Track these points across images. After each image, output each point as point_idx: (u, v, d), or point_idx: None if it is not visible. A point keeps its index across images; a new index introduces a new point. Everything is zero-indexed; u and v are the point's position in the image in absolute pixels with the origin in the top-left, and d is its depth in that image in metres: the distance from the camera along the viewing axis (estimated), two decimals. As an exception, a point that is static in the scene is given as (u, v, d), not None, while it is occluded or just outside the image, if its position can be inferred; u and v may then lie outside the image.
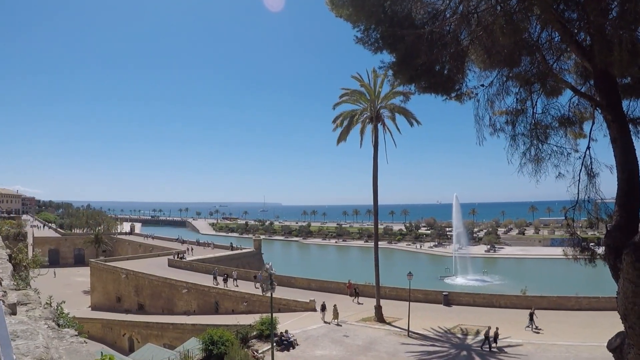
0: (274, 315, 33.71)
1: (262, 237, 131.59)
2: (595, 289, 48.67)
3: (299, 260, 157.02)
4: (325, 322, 47.29)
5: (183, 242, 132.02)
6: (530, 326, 42.84)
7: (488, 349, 37.34)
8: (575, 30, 14.64)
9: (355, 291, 60.15)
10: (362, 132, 52.21)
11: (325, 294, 61.86)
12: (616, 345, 13.39)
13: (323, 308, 48.94)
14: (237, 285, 66.84)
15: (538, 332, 41.82)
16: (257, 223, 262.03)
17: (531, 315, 43.35)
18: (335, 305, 48.41)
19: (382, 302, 50.38)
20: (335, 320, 47.14)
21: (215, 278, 69.30)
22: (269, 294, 30.36)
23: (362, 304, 56.64)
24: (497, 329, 38.95)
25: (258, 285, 58.68)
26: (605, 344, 14.18)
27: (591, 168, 16.12)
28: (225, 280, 67.37)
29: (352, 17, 14.92)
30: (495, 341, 38.19)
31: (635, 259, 10.60)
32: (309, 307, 54.75)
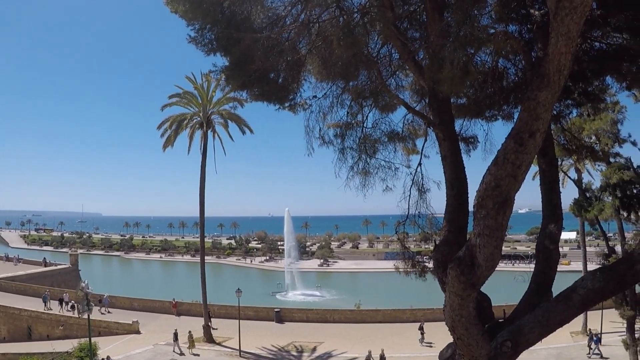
0: (94, 340, 32.42)
1: (79, 251, 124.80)
2: (430, 301, 52.33)
3: (120, 277, 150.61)
4: (176, 352, 44.94)
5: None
6: (423, 340, 44.85)
7: None
8: (416, 49, 15.78)
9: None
10: (191, 137, 51.81)
11: (149, 314, 60.50)
12: (448, 356, 14.74)
13: (175, 337, 46.12)
14: (69, 310, 61.60)
15: (430, 346, 43.96)
16: (74, 235, 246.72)
17: (421, 327, 45.39)
18: (190, 332, 46.64)
19: (211, 321, 50.23)
20: (192, 350, 45.23)
21: (45, 302, 62.94)
22: (86, 316, 29.15)
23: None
24: (382, 350, 39.77)
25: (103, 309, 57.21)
26: (438, 355, 15.54)
27: (422, 184, 17.42)
28: (60, 305, 62.12)
29: (188, 14, 14.48)
30: None
31: (459, 272, 11.75)
32: (132, 330, 53.05)
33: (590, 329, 42.42)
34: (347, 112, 18.12)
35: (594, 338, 42.50)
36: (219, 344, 47.72)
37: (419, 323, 47.00)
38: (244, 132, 52.25)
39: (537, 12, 14.07)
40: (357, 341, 45.74)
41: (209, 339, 48.19)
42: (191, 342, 45.60)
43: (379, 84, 16.87)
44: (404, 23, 16.93)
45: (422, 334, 45.49)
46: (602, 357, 41.99)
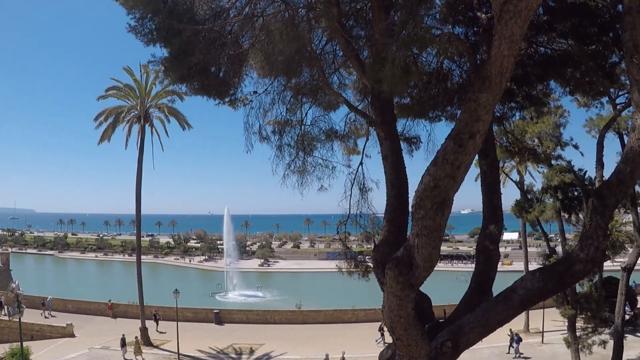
0: (26, 344, 31.60)
1: (11, 250, 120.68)
2: (373, 301, 52.92)
3: (54, 277, 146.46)
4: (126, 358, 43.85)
5: None
6: (382, 341, 44.94)
7: None
8: (361, 47, 15.95)
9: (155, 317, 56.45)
10: (128, 132, 50.96)
11: (84, 316, 59.26)
12: (388, 357, 14.96)
13: (123, 343, 44.83)
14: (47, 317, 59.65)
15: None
16: (5, 233, 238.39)
17: (381, 328, 45.53)
18: (137, 338, 45.67)
19: (149, 323, 49.59)
20: (140, 357, 44.14)
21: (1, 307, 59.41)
22: (17, 319, 28.36)
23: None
24: (343, 353, 39.92)
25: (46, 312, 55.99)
26: (378, 356, 15.80)
27: (364, 183, 17.72)
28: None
29: (128, 2, 14.16)
30: None
31: (397, 273, 11.93)
32: (66, 333, 51.73)
33: (511, 329, 43.61)
34: (287, 109, 18.15)
35: (515, 337, 43.72)
36: (157, 347, 47.21)
37: (379, 323, 47.23)
38: (183, 128, 51.72)
39: (483, 15, 14.29)
40: (298, 342, 45.95)
41: (147, 342, 47.54)
42: (137, 347, 44.57)
43: (320, 81, 16.90)
44: (350, 21, 17.04)
45: (382, 334, 45.81)
46: (522, 356, 43.71)
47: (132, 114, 51.02)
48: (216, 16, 15.63)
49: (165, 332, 52.37)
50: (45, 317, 59.02)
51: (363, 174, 17.76)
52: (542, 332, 47.85)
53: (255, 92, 17.63)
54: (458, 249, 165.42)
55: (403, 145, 17.39)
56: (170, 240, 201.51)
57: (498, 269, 15.44)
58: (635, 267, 35.69)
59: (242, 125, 17.78)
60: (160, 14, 14.46)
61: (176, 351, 42.98)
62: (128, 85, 50.50)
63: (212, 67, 16.43)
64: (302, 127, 18.33)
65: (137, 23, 14.75)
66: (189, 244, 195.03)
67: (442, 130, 20.11)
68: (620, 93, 27.25)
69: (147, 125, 50.74)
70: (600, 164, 27.34)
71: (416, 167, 14.98)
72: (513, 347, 43.77)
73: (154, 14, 14.54)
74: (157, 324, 55.28)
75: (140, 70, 49.53)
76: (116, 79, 51.02)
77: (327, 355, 39.98)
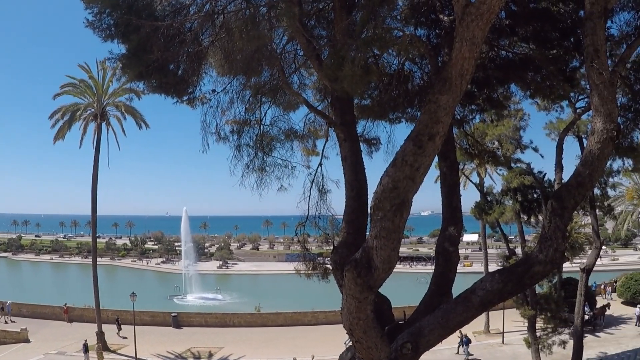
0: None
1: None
2: (333, 303, 53.01)
3: (8, 280, 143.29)
4: None
5: None
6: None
7: None
8: (322, 47, 15.95)
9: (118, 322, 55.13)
10: (84, 130, 49.98)
11: (39, 320, 57.94)
12: (348, 359, 15.08)
13: (86, 349, 43.88)
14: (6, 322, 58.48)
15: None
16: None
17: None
18: (99, 344, 44.88)
19: (106, 327, 48.91)
20: None
21: None
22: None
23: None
24: (312, 357, 39.84)
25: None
26: (337, 358, 15.86)
27: (323, 185, 17.79)
28: None
29: None
30: None
31: (356, 274, 11.98)
32: (20, 338, 50.43)
33: (460, 331, 44.25)
34: (245, 108, 18.08)
35: (464, 339, 44.29)
36: (114, 351, 46.57)
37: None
38: (140, 126, 51.00)
39: (446, 18, 14.43)
40: (258, 345, 45.85)
41: (104, 346, 46.80)
42: (99, 353, 43.87)
43: (280, 81, 16.87)
44: (312, 20, 17.06)
45: None
46: (473, 358, 44.34)
47: (89, 112, 50.10)
48: (176, 13, 15.46)
49: (126, 338, 51.19)
50: (5, 322, 57.82)
51: (322, 175, 17.83)
52: (503, 332, 48.55)
53: (214, 90, 17.48)
54: (418, 250, 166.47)
55: (363, 146, 17.51)
56: (127, 242, 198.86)
57: (458, 271, 15.65)
58: (595, 268, 36.49)
59: (200, 124, 17.61)
60: (119, 9, 14.24)
61: (134, 356, 42.47)
62: (84, 82, 49.60)
63: (171, 64, 16.17)
64: (261, 127, 18.27)
65: (95, 18, 14.49)
66: (146, 245, 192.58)
67: (402, 131, 20.29)
68: (580, 97, 27.70)
69: (103, 124, 49.98)
70: (559, 167, 27.80)
71: (376, 168, 15.09)
72: (462, 348, 44.22)
73: (112, 9, 14.33)
74: (120, 329, 54.06)
75: (98, 67, 48.71)
76: (72, 77, 50.17)
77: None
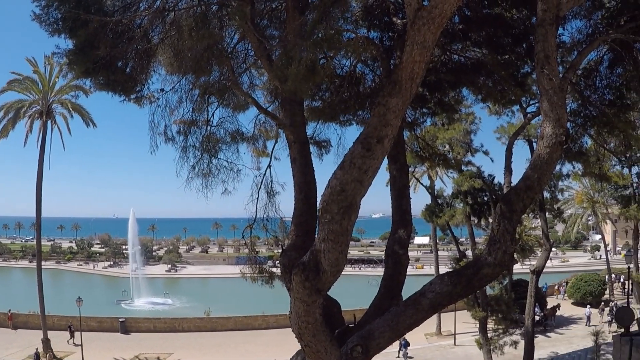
0: None
1: None
2: (284, 306, 52.76)
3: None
4: None
5: None
6: None
7: None
8: (273, 47, 15.87)
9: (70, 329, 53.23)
10: (29, 128, 48.92)
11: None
12: (298, 363, 15.10)
13: (37, 357, 42.86)
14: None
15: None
16: None
17: None
18: (50, 354, 43.81)
19: (53, 333, 47.89)
20: None
21: None
22: None
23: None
24: None
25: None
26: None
27: (271, 187, 17.71)
28: None
29: None
30: None
31: (304, 278, 11.91)
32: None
33: None
34: (193, 109, 17.84)
35: (402, 342, 44.72)
36: (60, 359, 45.63)
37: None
38: (87, 125, 50.21)
39: (399, 21, 14.56)
40: (207, 350, 45.58)
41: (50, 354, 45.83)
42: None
43: (230, 81, 16.73)
44: (264, 20, 17.02)
45: None
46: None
47: (34, 109, 49.03)
48: (126, 8, 15.21)
49: (79, 345, 48.97)
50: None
51: (271, 177, 17.75)
52: (455, 334, 49.29)
53: (162, 89, 17.18)
54: (369, 252, 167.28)
55: (313, 148, 17.54)
56: (73, 245, 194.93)
57: (410, 273, 15.84)
58: (545, 270, 37.34)
59: (148, 124, 17.36)
60: (67, 3, 13.94)
61: (80, 363, 41.81)
62: (30, 78, 48.44)
63: (119, 61, 15.94)
64: (208, 128, 18.07)
65: (42, 11, 14.16)
66: (93, 249, 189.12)
67: (353, 134, 20.32)
68: (531, 102, 28.27)
69: (49, 122, 48.92)
70: (508, 170, 28.36)
71: (326, 171, 15.22)
72: (401, 352, 44.54)
73: (60, 3, 14.01)
74: (72, 336, 52.27)
75: (45, 63, 47.65)
76: (17, 73, 48.89)
77: None
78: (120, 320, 57.24)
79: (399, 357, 44.66)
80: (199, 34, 13.09)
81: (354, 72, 16.65)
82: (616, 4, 15.57)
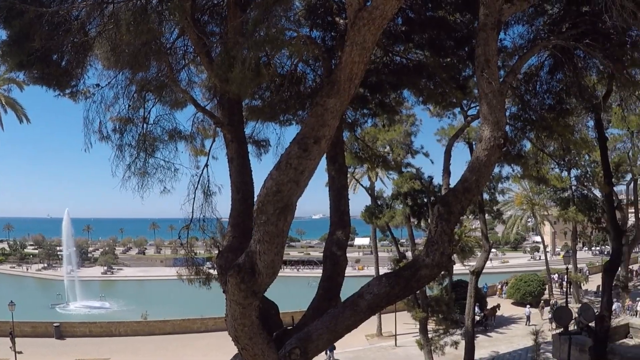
0: None
1: None
2: (223, 309, 52.34)
3: None
4: None
5: None
6: None
7: None
8: (213, 45, 15.71)
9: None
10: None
11: None
12: (235, 368, 15.01)
13: None
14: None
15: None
16: None
17: None
18: None
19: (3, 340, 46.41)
20: None
21: None
22: None
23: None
24: None
25: None
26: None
27: (208, 186, 17.53)
28: None
29: None
30: None
31: (240, 280, 11.77)
32: None
33: None
34: (129, 106, 17.46)
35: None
36: (-10, 368, 44.42)
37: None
38: (21, 121, 49.03)
39: (342, 21, 14.60)
40: (144, 354, 44.98)
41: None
42: None
43: (167, 78, 16.50)
44: (205, 16, 16.86)
45: None
46: None
47: (-36, 103, 47.55)
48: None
49: (22, 353, 47.72)
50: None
51: (208, 176, 17.59)
52: (395, 335, 49.75)
53: (98, 84, 16.74)
54: (309, 254, 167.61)
55: (251, 148, 17.59)
56: (5, 246, 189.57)
57: (351, 274, 15.95)
58: (485, 271, 38.09)
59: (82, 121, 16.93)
60: (2, -7, 13.48)
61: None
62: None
63: (55, 54, 15.52)
64: (145, 126, 17.73)
65: (-25, 0, 13.69)
66: (26, 250, 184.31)
67: (292, 134, 20.33)
68: (472, 105, 28.79)
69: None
70: (447, 172, 28.87)
71: (265, 171, 15.23)
72: (327, 354, 44.51)
73: (-5, -8, 13.53)
74: (14, 343, 49.03)
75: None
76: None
77: None
78: (55, 325, 55.83)
79: None
80: (138, 29, 12.73)
81: (295, 72, 16.62)
82: (558, 10, 16.02)
